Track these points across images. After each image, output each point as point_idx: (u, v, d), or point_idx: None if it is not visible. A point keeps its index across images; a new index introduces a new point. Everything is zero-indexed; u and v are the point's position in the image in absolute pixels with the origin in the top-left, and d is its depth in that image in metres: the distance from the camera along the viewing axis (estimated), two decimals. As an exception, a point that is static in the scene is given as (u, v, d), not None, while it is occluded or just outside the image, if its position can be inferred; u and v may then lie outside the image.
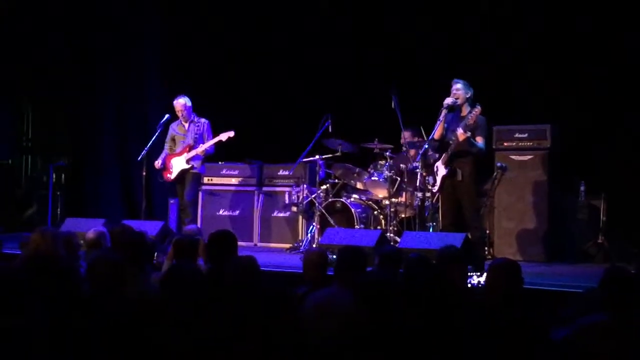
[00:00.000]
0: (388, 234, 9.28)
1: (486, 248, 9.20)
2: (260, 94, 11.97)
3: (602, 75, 9.94)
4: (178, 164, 9.85)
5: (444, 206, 8.59)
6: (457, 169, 8.32)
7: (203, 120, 9.95)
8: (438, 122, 8.48)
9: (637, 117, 9.76)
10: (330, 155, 10.24)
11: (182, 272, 4.00)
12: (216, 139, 9.76)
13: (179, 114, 9.95)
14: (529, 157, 9.55)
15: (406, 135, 9.67)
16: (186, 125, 9.95)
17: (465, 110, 8.41)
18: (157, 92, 12.61)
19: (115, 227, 5.66)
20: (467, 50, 10.75)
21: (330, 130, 9.93)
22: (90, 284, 4.08)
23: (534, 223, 9.39)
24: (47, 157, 12.89)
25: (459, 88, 8.44)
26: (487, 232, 9.53)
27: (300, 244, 10.22)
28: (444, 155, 8.42)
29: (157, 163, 10.01)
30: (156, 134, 10.07)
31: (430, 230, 9.09)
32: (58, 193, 11.95)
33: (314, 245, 9.44)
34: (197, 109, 10.39)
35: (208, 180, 11.23)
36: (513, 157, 9.56)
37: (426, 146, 8.81)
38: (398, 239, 8.94)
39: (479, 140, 8.32)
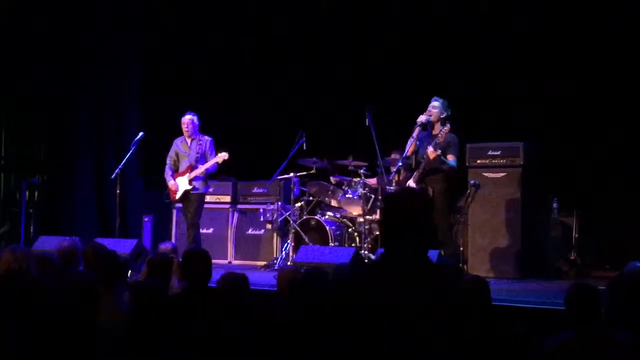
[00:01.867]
0: (362, 252, 9.29)
1: (460, 265, 9.22)
2: (234, 111, 11.99)
3: (574, 92, 10.05)
4: (182, 185, 9.69)
5: None
6: (428, 186, 8.38)
7: (206, 138, 9.76)
8: (411, 139, 8.55)
9: (609, 133, 9.88)
10: (304, 173, 10.25)
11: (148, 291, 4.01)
12: (213, 161, 9.57)
13: (184, 130, 9.81)
14: (502, 174, 9.60)
15: (394, 156, 9.72)
16: (189, 142, 9.87)
17: (437, 129, 8.48)
18: (133, 109, 12.59)
19: (87, 246, 5.62)
20: (441, 67, 10.83)
21: (304, 147, 9.95)
22: (62, 304, 4.05)
23: (507, 240, 9.44)
24: (20, 174, 12.80)
25: (435, 106, 8.53)
26: (461, 249, 9.56)
27: (275, 261, 10.21)
28: (415, 173, 8.48)
29: (172, 184, 9.71)
30: (130, 151, 10.00)
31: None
32: (31, 211, 11.87)
33: (289, 263, 9.44)
34: (172, 126, 10.35)
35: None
36: (486, 174, 9.61)
37: (399, 164, 8.87)
38: (372, 256, 8.96)
39: (450, 158, 8.40)
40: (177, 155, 9.82)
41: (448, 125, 8.28)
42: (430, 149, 8.29)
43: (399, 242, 3.23)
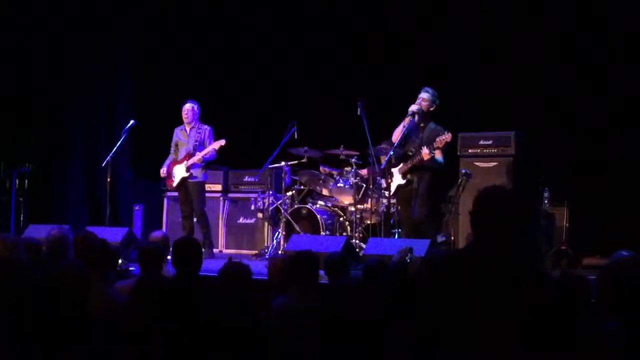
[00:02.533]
0: (353, 241, 9.30)
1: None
2: (226, 100, 11.96)
3: (568, 81, 10.06)
4: (179, 172, 9.77)
5: (403, 214, 8.67)
6: (412, 176, 8.55)
7: (205, 126, 9.85)
8: (400, 127, 8.59)
9: (600, 123, 9.89)
10: (296, 162, 10.24)
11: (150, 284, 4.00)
12: (210, 148, 9.66)
13: (184, 117, 9.86)
14: (494, 164, 9.60)
15: (385, 145, 9.70)
16: (188, 130, 9.87)
17: (425, 119, 8.61)
18: (124, 97, 12.56)
19: (78, 234, 5.60)
20: (433, 56, 10.83)
21: (296, 136, 9.93)
22: (53, 293, 4.03)
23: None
24: (10, 162, 12.73)
25: (425, 98, 8.55)
26: (452, 238, 9.57)
27: (266, 250, 10.20)
28: (402, 164, 8.54)
29: (163, 171, 9.95)
30: (121, 140, 10.01)
31: (396, 236, 9.13)
32: (21, 199, 11.82)
33: (280, 252, 9.43)
34: (163, 115, 10.32)
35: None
36: (477, 163, 9.61)
37: (391, 153, 8.87)
38: (363, 245, 8.96)
39: (439, 155, 8.47)
40: (177, 145, 9.90)
41: (449, 134, 8.37)
42: (425, 151, 8.39)
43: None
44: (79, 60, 12.42)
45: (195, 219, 9.88)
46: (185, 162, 9.72)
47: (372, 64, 11.31)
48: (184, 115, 9.83)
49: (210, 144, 9.72)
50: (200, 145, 9.75)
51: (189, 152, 9.74)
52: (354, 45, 11.51)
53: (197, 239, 6.77)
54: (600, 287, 3.88)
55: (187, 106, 9.83)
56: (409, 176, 8.52)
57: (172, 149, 9.99)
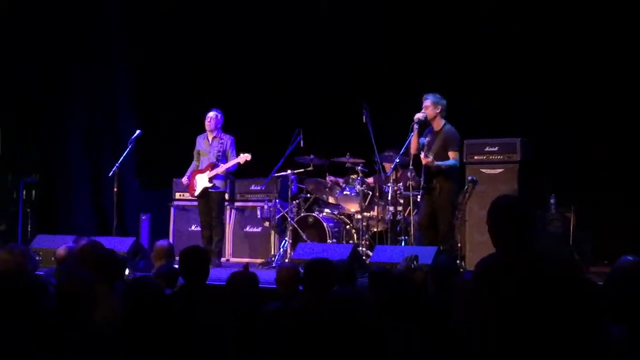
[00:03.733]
0: (360, 248, 9.30)
1: (457, 262, 9.22)
2: (231, 109, 11.95)
3: (570, 89, 10.06)
4: (201, 182, 9.81)
5: (422, 219, 8.67)
6: (436, 184, 8.47)
7: (228, 136, 9.89)
8: (410, 135, 8.57)
9: (607, 130, 9.88)
10: (302, 170, 10.25)
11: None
12: (234, 161, 9.70)
13: (207, 125, 9.89)
14: (500, 170, 9.59)
15: (390, 153, 9.72)
16: (210, 139, 9.90)
17: (438, 124, 8.51)
18: (130, 107, 12.59)
19: (85, 244, 5.61)
20: (439, 62, 10.84)
21: (301, 145, 9.95)
22: (59, 303, 4.03)
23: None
24: (17, 173, 12.77)
25: (427, 105, 8.56)
26: (459, 245, 9.56)
27: (273, 258, 10.20)
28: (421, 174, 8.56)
29: (184, 180, 10.01)
30: (127, 149, 10.02)
31: (403, 244, 9.13)
32: (28, 210, 11.85)
33: (287, 260, 9.43)
34: (169, 124, 10.34)
35: (180, 195, 11.22)
36: (484, 170, 9.59)
37: (397, 160, 8.90)
38: (370, 253, 8.96)
39: (452, 156, 8.45)
40: (198, 153, 9.94)
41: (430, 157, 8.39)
42: (422, 156, 8.39)
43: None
44: (83, 68, 12.44)
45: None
46: (208, 172, 9.76)
47: (377, 70, 11.31)
48: (206, 123, 9.88)
49: (232, 153, 9.76)
50: (222, 156, 9.78)
51: (211, 162, 9.77)
52: (360, 52, 11.51)
53: (206, 248, 6.80)
54: (606, 292, 3.88)
55: (211, 114, 9.88)
56: (429, 183, 8.50)
57: (195, 156, 10.03)
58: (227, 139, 9.86)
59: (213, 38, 12.36)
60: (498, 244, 3.84)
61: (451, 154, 8.47)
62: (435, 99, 8.58)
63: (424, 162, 8.40)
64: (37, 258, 6.14)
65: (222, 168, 9.70)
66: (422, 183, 8.57)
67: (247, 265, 5.26)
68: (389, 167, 9.70)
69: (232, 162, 9.70)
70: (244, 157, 9.66)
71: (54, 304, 4.01)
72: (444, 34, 10.93)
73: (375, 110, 9.59)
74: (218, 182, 9.80)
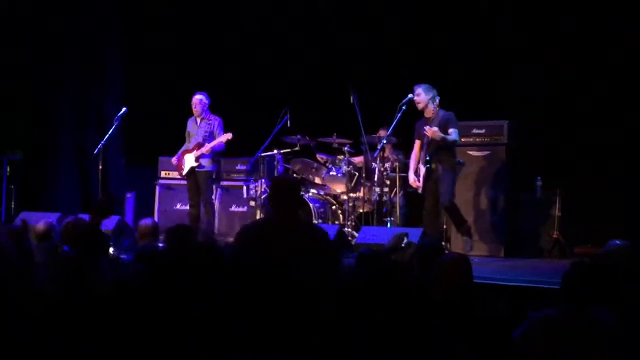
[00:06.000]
0: (346, 229, 9.30)
1: (443, 243, 9.24)
2: (217, 87, 11.90)
3: (558, 72, 10.05)
4: (189, 161, 9.87)
5: (427, 204, 8.62)
6: (436, 164, 8.45)
7: (215, 117, 9.92)
8: (397, 116, 8.59)
9: (593, 113, 9.89)
10: (288, 150, 10.22)
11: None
12: (218, 140, 9.75)
13: (194, 110, 9.92)
14: (486, 152, 9.62)
15: (382, 133, 9.70)
16: (199, 121, 9.93)
17: (430, 111, 8.51)
18: (116, 85, 12.51)
19: (69, 221, 5.57)
20: (427, 46, 10.81)
21: (288, 124, 9.91)
22: (47, 280, 3.99)
23: (491, 218, 9.45)
24: (1, 150, 12.67)
25: (419, 93, 8.53)
26: (445, 227, 9.57)
27: (259, 238, 10.16)
28: (421, 154, 8.51)
29: (174, 160, 10.05)
30: (113, 127, 9.97)
31: (389, 225, 9.14)
32: (12, 187, 11.76)
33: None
34: (155, 102, 10.25)
35: (165, 174, 11.16)
36: (471, 152, 9.62)
37: (384, 141, 8.89)
38: (356, 234, 8.96)
39: (452, 132, 8.42)
40: (188, 134, 10.03)
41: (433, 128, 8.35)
42: (426, 128, 8.36)
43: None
44: (69, 45, 12.34)
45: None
46: (194, 152, 9.77)
47: (365, 50, 11.28)
48: (193, 108, 9.89)
49: (219, 134, 9.77)
50: (209, 136, 9.82)
51: (198, 142, 9.80)
52: (348, 32, 11.47)
53: (190, 225, 6.77)
54: (595, 275, 3.88)
55: (196, 98, 9.89)
56: (432, 165, 8.47)
57: (186, 138, 10.05)
58: (215, 120, 9.90)
59: (201, 16, 12.28)
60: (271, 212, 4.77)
61: (451, 131, 8.45)
62: (426, 87, 8.55)
63: (428, 133, 8.35)
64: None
65: (207, 147, 9.74)
66: (421, 170, 8.52)
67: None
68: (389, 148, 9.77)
69: (216, 141, 9.74)
70: (226, 136, 9.71)
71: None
72: (431, 13, 10.88)
73: (363, 91, 9.56)
74: (204, 161, 9.83)
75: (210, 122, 9.90)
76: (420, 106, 8.56)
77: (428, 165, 8.46)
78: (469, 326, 3.98)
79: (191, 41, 12.36)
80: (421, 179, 8.55)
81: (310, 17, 11.64)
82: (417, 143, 8.66)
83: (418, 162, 8.62)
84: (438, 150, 8.45)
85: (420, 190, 8.66)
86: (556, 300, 3.91)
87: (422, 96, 8.54)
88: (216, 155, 10.06)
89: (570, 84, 9.96)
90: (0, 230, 5.21)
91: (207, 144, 9.77)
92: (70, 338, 3.65)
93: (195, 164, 9.81)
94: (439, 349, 3.81)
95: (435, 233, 8.39)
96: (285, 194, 4.72)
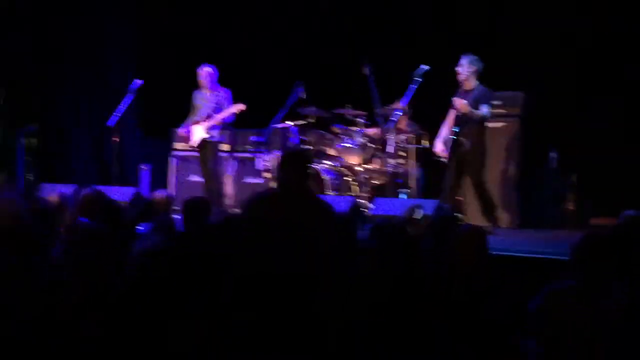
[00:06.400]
0: (360, 200, 9.31)
1: (460, 215, 9.23)
2: (231, 60, 11.89)
3: (579, 48, 9.98)
4: (198, 133, 9.87)
5: (448, 175, 8.59)
6: (464, 139, 8.37)
7: (224, 89, 9.92)
8: (412, 88, 8.57)
9: (608, 87, 9.85)
10: (303, 122, 10.22)
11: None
12: (229, 111, 9.75)
13: (202, 82, 9.91)
14: (501, 124, 9.58)
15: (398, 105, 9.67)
16: (207, 94, 9.91)
17: (470, 84, 8.48)
18: (130, 55, 12.51)
19: (87, 192, 5.60)
20: (442, 18, 10.76)
21: (303, 96, 9.90)
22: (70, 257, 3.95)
23: (505, 189, 9.45)
24: (17, 122, 12.70)
25: (462, 64, 8.49)
26: (461, 199, 9.57)
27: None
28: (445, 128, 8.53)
29: (182, 130, 10.03)
30: (128, 99, 10.00)
31: (405, 196, 9.14)
32: (29, 159, 11.81)
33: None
34: (170, 73, 10.22)
35: (180, 146, 11.17)
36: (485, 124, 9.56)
37: (400, 112, 8.89)
38: (370, 205, 8.97)
39: (482, 108, 8.38)
40: (195, 107, 9.94)
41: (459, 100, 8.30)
42: (455, 99, 8.35)
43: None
44: (84, 15, 12.33)
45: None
46: (204, 123, 9.77)
47: (380, 23, 11.23)
48: (200, 80, 9.86)
49: (228, 105, 9.77)
50: (219, 108, 9.81)
51: (207, 113, 9.78)
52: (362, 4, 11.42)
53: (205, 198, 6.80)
54: (612, 245, 3.88)
55: (204, 70, 9.87)
56: (459, 138, 8.42)
57: (192, 110, 10.02)
58: (223, 92, 9.88)
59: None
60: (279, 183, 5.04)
61: (481, 107, 8.40)
62: (471, 59, 8.49)
63: (457, 105, 8.33)
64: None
65: (217, 118, 9.74)
66: (451, 137, 8.48)
67: None
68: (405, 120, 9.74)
69: (226, 112, 9.74)
70: (239, 107, 9.71)
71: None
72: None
73: (378, 63, 9.53)
74: (214, 132, 9.85)
75: (219, 94, 9.89)
76: (460, 77, 8.51)
77: (454, 137, 8.41)
78: (470, 327, 4.00)
79: (204, 14, 12.34)
80: (449, 148, 8.52)
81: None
82: (452, 113, 8.58)
83: (448, 132, 8.57)
84: (466, 124, 8.39)
85: (446, 160, 8.63)
86: (569, 272, 3.93)
87: (464, 68, 8.49)
88: (226, 126, 10.08)
89: (591, 58, 9.89)
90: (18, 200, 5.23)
91: (217, 115, 9.77)
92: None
93: (205, 135, 9.82)
94: (439, 348, 3.85)
95: (452, 205, 8.39)
96: (295, 167, 4.78)
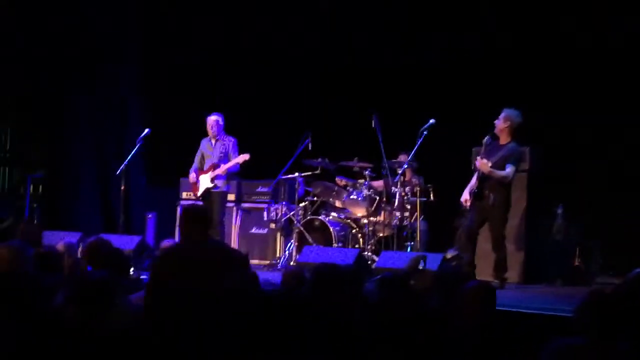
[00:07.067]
0: (366, 253, 9.29)
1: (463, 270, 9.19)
2: (238, 110, 11.96)
3: (581, 100, 10.05)
4: (204, 182, 9.86)
5: (470, 224, 8.60)
6: (489, 193, 8.37)
7: (230, 138, 9.93)
8: (418, 141, 8.62)
9: (614, 139, 9.88)
10: (309, 173, 10.24)
11: None
12: (234, 161, 9.73)
13: (209, 131, 9.93)
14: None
15: (402, 158, 9.69)
16: (214, 142, 9.95)
17: (505, 138, 8.49)
18: (138, 106, 12.58)
19: (92, 241, 5.60)
20: (449, 71, 10.83)
21: (310, 148, 9.94)
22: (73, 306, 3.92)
23: (511, 245, 9.39)
24: (24, 169, 12.77)
25: (500, 118, 8.49)
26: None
27: (278, 261, 10.19)
28: (473, 181, 8.53)
29: (192, 177, 10.00)
30: (135, 148, 10.05)
31: (409, 249, 9.12)
32: (35, 205, 11.84)
33: (292, 263, 9.43)
34: (177, 123, 10.26)
35: (187, 195, 11.18)
36: (492, 178, 9.56)
37: (405, 165, 8.91)
38: (376, 258, 8.95)
39: (508, 168, 8.36)
40: (202, 156, 9.96)
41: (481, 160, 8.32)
42: (478, 157, 8.39)
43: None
44: (93, 66, 12.43)
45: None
46: (210, 172, 9.78)
47: (386, 75, 11.31)
48: (209, 128, 9.90)
49: (234, 155, 9.77)
50: (224, 157, 9.81)
51: (213, 163, 9.80)
52: (370, 56, 11.51)
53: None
54: (617, 303, 3.85)
55: (211, 119, 9.89)
56: (485, 192, 8.42)
57: (197, 159, 10.05)
58: (229, 141, 9.90)
59: (223, 38, 12.35)
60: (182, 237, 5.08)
61: (508, 167, 8.37)
62: (508, 113, 8.47)
63: (478, 164, 8.34)
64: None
65: (222, 168, 9.75)
66: (474, 189, 8.46)
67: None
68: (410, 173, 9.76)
69: (232, 162, 9.75)
70: (243, 157, 9.70)
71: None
72: (454, 42, 10.90)
73: (385, 115, 9.57)
74: (219, 182, 9.84)
75: (225, 143, 9.90)
76: (496, 130, 8.52)
77: (476, 190, 8.41)
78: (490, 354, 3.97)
79: (213, 63, 12.44)
80: (469, 196, 8.50)
81: (331, 40, 11.69)
82: (482, 161, 8.52)
83: (476, 183, 8.54)
84: (490, 179, 8.39)
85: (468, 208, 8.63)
86: (576, 329, 3.89)
87: (500, 122, 8.47)
88: (231, 176, 10.09)
89: (595, 108, 9.95)
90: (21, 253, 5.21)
91: (222, 165, 9.77)
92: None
93: (210, 185, 9.81)
94: None
95: (467, 254, 8.37)
96: (191, 223, 4.96)
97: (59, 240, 7.54)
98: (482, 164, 8.27)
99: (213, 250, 5.00)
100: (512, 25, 10.48)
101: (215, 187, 9.82)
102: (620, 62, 9.88)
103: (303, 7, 11.62)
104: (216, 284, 4.57)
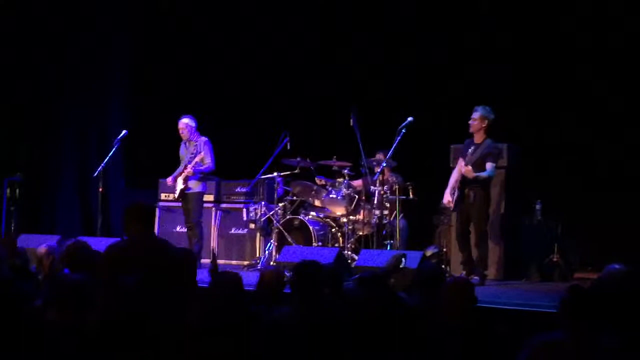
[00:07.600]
0: (346, 252, 9.29)
1: (442, 266, 9.23)
2: (218, 110, 11.95)
3: (560, 96, 10.11)
4: (179, 184, 9.90)
5: (458, 226, 8.77)
6: (469, 192, 8.45)
7: (202, 138, 9.91)
8: (397, 140, 8.63)
9: (591, 136, 9.93)
10: (288, 173, 10.23)
11: None
12: (194, 161, 9.73)
13: (181, 135, 9.95)
14: (487, 176, 9.59)
15: (379, 157, 9.71)
16: (188, 145, 9.95)
17: (480, 137, 8.54)
18: (118, 107, 12.54)
19: (70, 243, 5.57)
20: (431, 69, 10.87)
21: (288, 147, 9.94)
22: (51, 309, 3.92)
23: (490, 241, 9.43)
24: (1, 171, 12.66)
25: (474, 117, 8.54)
26: (444, 249, 9.58)
27: (258, 261, 10.18)
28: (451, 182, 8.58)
29: (169, 180, 10.02)
30: (113, 149, 10.00)
31: (389, 248, 9.13)
32: (12, 208, 11.75)
33: (272, 263, 9.41)
34: (156, 125, 10.21)
35: (165, 196, 11.14)
36: (470, 175, 9.59)
37: (384, 164, 8.92)
38: (356, 257, 8.95)
39: (488, 167, 8.45)
40: (180, 158, 10.04)
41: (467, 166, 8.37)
42: (461, 164, 8.44)
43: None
44: (73, 69, 12.38)
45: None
46: (183, 174, 9.78)
47: (367, 73, 11.33)
48: (180, 132, 9.89)
49: (206, 154, 9.78)
50: (194, 158, 9.79)
51: (185, 165, 9.80)
52: (348, 54, 11.52)
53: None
54: (593, 298, 3.88)
55: (182, 122, 9.90)
56: (465, 191, 8.48)
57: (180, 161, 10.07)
58: (201, 141, 9.88)
59: (203, 39, 12.34)
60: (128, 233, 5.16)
61: (488, 165, 8.45)
62: (485, 112, 8.54)
63: (463, 171, 8.39)
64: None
65: (188, 169, 9.72)
66: (456, 192, 8.53)
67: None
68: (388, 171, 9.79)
69: (193, 162, 9.74)
70: (200, 156, 9.68)
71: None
72: (434, 40, 10.94)
73: (363, 114, 9.58)
74: (191, 183, 9.86)
75: (197, 143, 9.89)
76: (472, 129, 8.57)
77: (458, 193, 8.47)
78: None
79: (192, 64, 12.41)
80: (454, 199, 8.56)
81: (309, 39, 11.70)
82: (460, 162, 8.60)
83: (456, 182, 8.59)
84: (472, 181, 8.45)
85: (452, 209, 8.77)
86: (556, 325, 3.92)
87: (476, 121, 8.53)
88: (206, 176, 10.06)
89: (573, 105, 10.01)
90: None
91: (188, 166, 9.78)
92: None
93: (183, 186, 9.82)
94: None
95: (466, 254, 8.50)
96: (135, 221, 5.09)
97: (37, 244, 7.50)
98: (467, 170, 8.33)
99: (156, 247, 5.04)
100: (512, 25, 10.52)
101: (187, 188, 9.81)
102: (620, 62, 9.95)
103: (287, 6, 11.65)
104: (160, 280, 4.64)
